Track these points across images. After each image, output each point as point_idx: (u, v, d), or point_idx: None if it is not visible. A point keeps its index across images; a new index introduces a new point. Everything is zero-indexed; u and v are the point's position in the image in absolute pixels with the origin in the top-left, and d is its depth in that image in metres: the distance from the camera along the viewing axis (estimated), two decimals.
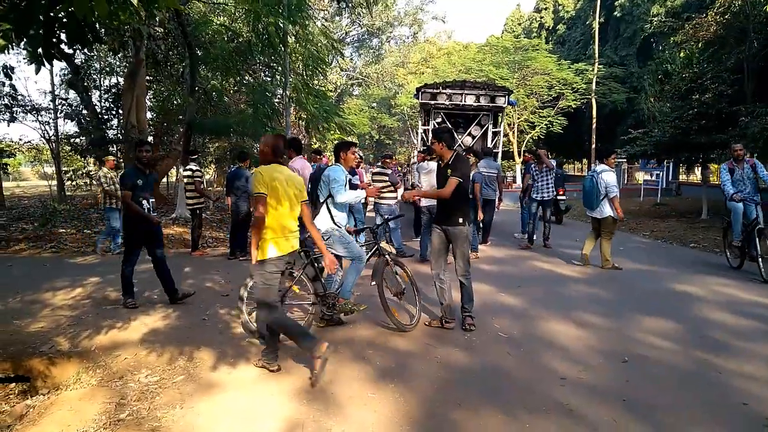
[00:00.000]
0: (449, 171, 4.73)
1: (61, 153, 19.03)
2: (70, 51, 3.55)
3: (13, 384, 4.42)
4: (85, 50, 16.60)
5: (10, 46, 3.11)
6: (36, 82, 68.87)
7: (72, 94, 17.96)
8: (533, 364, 4.18)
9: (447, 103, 11.90)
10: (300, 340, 3.81)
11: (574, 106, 27.30)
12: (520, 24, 45.84)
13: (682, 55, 16.36)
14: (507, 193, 17.46)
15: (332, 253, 4.93)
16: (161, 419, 3.25)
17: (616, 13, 30.65)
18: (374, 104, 39.59)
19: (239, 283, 6.56)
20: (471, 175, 8.75)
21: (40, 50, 2.99)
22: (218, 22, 14.25)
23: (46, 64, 3.15)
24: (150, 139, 15.46)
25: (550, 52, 27.70)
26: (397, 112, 38.86)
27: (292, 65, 13.59)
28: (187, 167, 9.06)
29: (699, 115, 13.62)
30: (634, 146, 16.30)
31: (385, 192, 8.34)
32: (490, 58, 28.26)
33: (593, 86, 27.15)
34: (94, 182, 9.54)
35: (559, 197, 9.86)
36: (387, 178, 8.52)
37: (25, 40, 2.97)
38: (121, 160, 12.32)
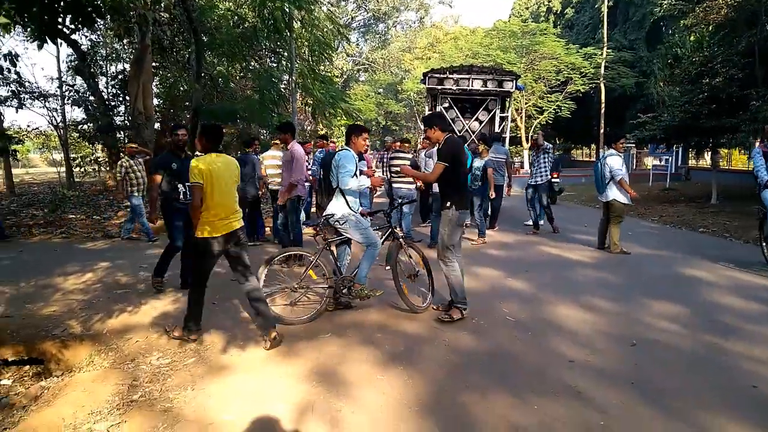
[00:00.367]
0: (438, 156, 4.76)
1: (69, 139, 19.09)
2: (72, 27, 3.55)
3: (28, 366, 4.48)
4: (90, 35, 16.62)
5: (12, 25, 3.11)
6: (43, 68, 69.25)
7: (79, 80, 17.95)
8: (541, 347, 4.19)
9: (454, 88, 11.83)
10: (193, 317, 4.28)
11: (582, 91, 26.99)
12: (527, 8, 45.20)
13: (692, 38, 16.15)
14: (515, 179, 17.39)
15: (347, 238, 4.98)
16: (173, 400, 3.29)
17: None
18: (381, 90, 39.44)
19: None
20: (473, 159, 8.77)
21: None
22: (224, 7, 14.20)
23: (48, 41, 3.16)
24: (157, 125, 15.48)
25: (558, 36, 27.33)
26: (403, 97, 38.68)
27: (298, 51, 13.56)
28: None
29: (709, 99, 13.47)
30: (643, 131, 16.14)
31: (402, 176, 8.28)
32: (497, 42, 27.94)
33: (602, 71, 26.83)
34: (118, 172, 9.52)
35: (553, 179, 9.84)
36: (407, 162, 8.40)
37: (27, 18, 2.97)
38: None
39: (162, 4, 12.66)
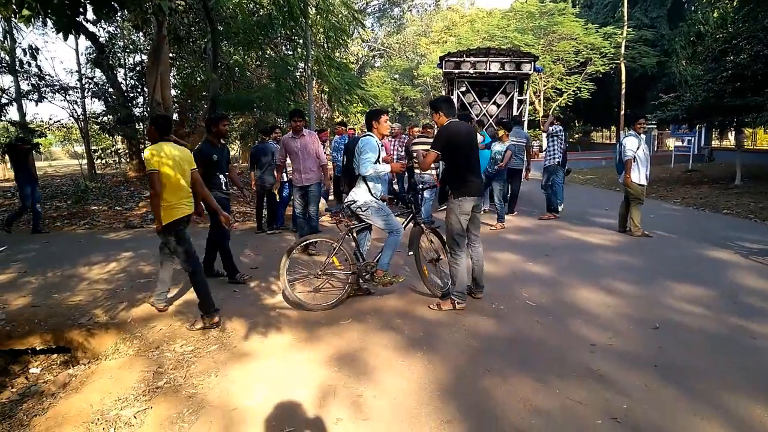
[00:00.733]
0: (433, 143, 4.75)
1: (89, 132, 19.32)
2: (94, 18, 3.64)
3: (55, 355, 4.61)
4: (108, 27, 16.73)
5: (34, 17, 3.14)
6: (62, 62, 69.83)
7: (98, 72, 18.11)
8: (562, 331, 4.16)
9: (471, 71, 11.68)
10: (205, 300, 4.38)
11: (602, 72, 26.51)
12: None
13: (715, 15, 15.72)
14: (533, 163, 17.20)
15: (368, 224, 4.98)
16: (197, 386, 3.35)
17: None
18: (396, 75, 39.15)
19: (267, 257, 6.69)
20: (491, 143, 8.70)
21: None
22: None
23: (73, 33, 3.19)
24: (175, 116, 15.57)
25: (576, 16, 26.75)
26: (419, 82, 38.41)
27: (314, 37, 13.50)
28: None
29: (733, 77, 13.11)
30: (665, 111, 15.79)
31: None
32: (514, 24, 27.54)
33: (622, 50, 26.24)
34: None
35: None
36: (428, 147, 8.37)
37: (49, 10, 3.00)
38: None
39: None
